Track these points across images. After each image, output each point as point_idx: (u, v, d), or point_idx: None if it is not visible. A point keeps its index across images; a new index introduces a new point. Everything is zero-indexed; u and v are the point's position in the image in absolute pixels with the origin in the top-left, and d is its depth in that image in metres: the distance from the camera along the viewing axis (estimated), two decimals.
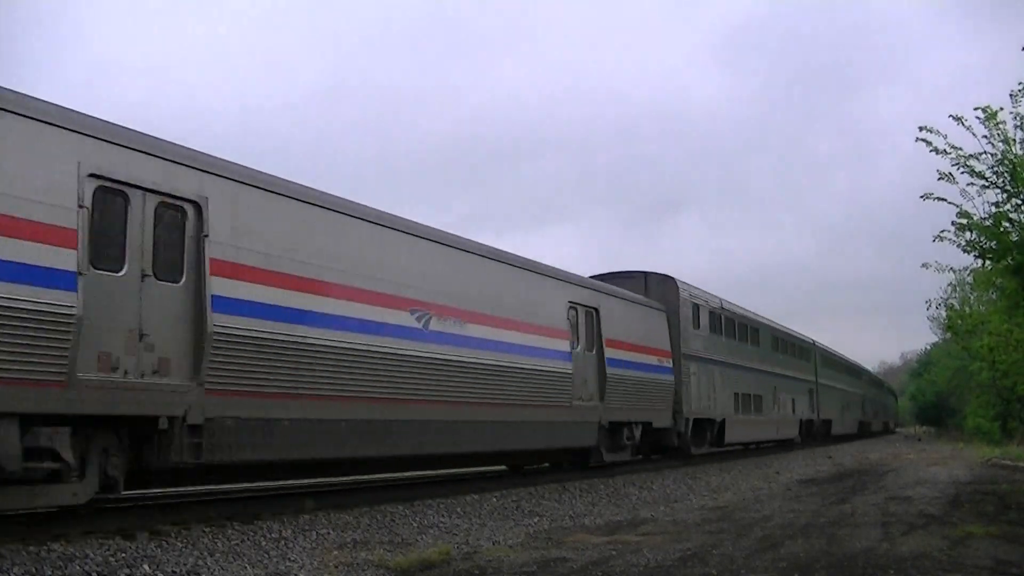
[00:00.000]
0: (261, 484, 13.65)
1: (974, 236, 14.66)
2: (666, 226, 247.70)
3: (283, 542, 9.10)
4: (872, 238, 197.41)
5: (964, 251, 15.11)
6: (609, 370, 18.12)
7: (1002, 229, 14.42)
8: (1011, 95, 14.08)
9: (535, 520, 11.65)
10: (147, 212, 9.14)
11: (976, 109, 14.21)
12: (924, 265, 16.73)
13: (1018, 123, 14.11)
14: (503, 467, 18.98)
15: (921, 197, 14.75)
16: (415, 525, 10.85)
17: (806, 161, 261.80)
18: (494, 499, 13.78)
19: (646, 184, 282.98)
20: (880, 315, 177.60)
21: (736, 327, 28.12)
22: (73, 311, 8.12)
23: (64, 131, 8.45)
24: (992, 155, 14.28)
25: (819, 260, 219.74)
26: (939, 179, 14.60)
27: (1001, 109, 14.12)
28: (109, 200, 8.82)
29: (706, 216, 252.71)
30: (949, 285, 36.24)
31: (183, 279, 9.46)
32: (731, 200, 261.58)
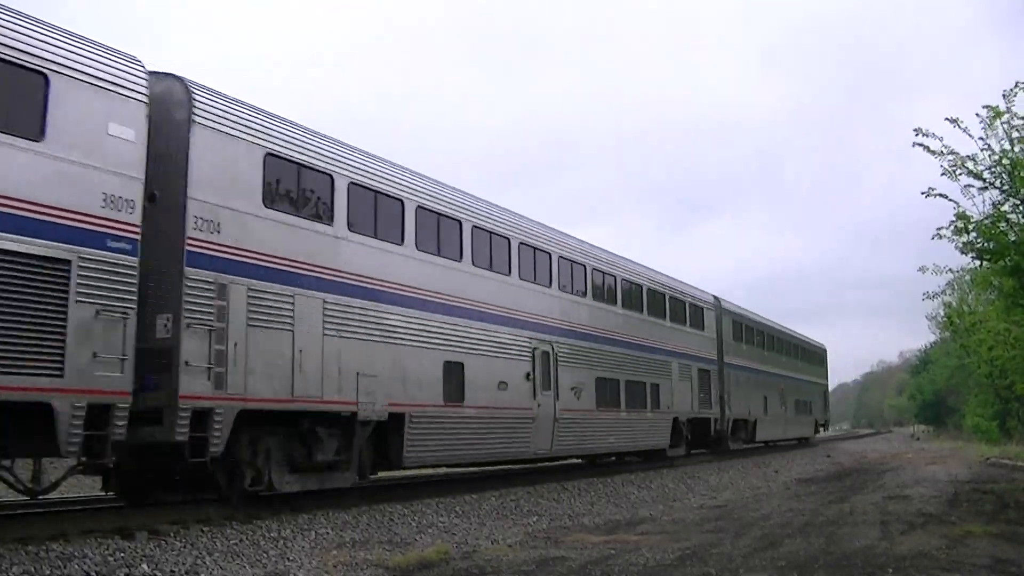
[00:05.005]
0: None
1: (972, 237, 14.67)
2: (702, 227, 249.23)
3: (282, 542, 9.10)
4: (900, 237, 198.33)
5: (962, 252, 15.12)
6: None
7: (1000, 230, 14.43)
8: (1004, 95, 14.10)
9: (534, 519, 11.66)
10: None
11: (984, 107, 14.21)
12: (921, 269, 16.73)
13: (1013, 123, 14.11)
14: None
15: (923, 194, 14.75)
16: (414, 524, 10.86)
17: (843, 164, 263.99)
18: (493, 498, 13.78)
19: (685, 187, 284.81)
20: (895, 314, 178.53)
21: (518, 254, 16.23)
22: None
23: None
24: (990, 155, 14.31)
25: (846, 260, 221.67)
26: (941, 174, 14.64)
27: (1005, 112, 14.11)
28: None
29: (740, 217, 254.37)
30: (948, 284, 35.43)
31: None
32: (766, 202, 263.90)
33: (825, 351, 46.98)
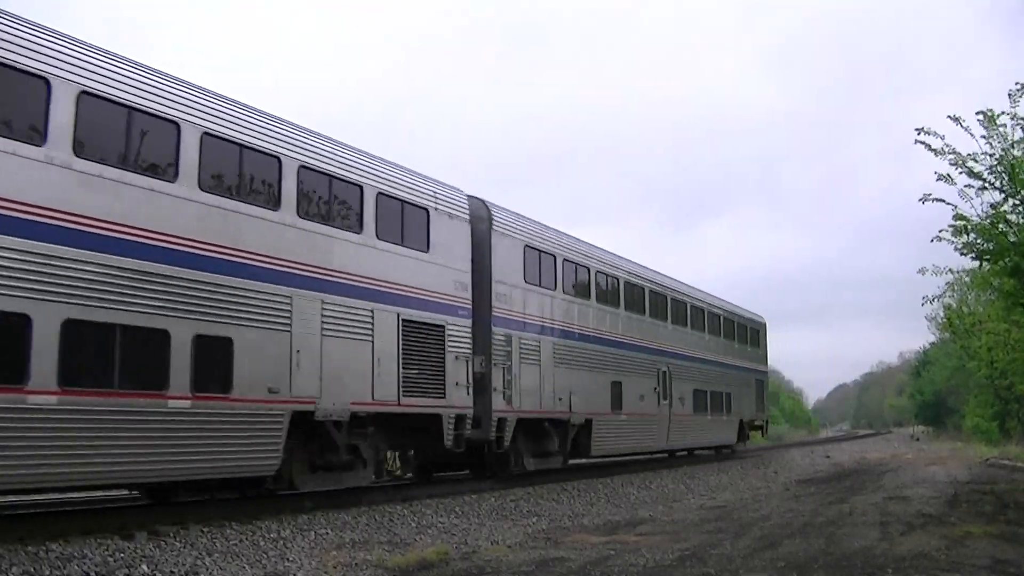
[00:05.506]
0: None
1: (971, 238, 14.67)
2: (702, 227, 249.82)
3: (281, 542, 9.10)
4: (900, 237, 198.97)
5: (961, 254, 15.11)
6: None
7: (999, 230, 14.43)
8: (1009, 94, 14.09)
9: (533, 520, 11.66)
10: None
11: (977, 113, 14.23)
12: (921, 270, 16.73)
13: (1017, 123, 14.11)
14: None
15: (920, 200, 14.76)
16: (413, 525, 10.86)
17: (843, 164, 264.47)
18: (492, 499, 13.79)
19: (685, 187, 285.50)
20: (895, 314, 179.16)
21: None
22: None
23: None
24: (990, 155, 14.31)
25: (846, 260, 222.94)
26: (938, 179, 14.65)
27: (1003, 114, 14.12)
28: None
29: (740, 218, 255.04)
30: (947, 284, 35.09)
31: None
32: (766, 202, 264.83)
33: (763, 325, 33.79)
